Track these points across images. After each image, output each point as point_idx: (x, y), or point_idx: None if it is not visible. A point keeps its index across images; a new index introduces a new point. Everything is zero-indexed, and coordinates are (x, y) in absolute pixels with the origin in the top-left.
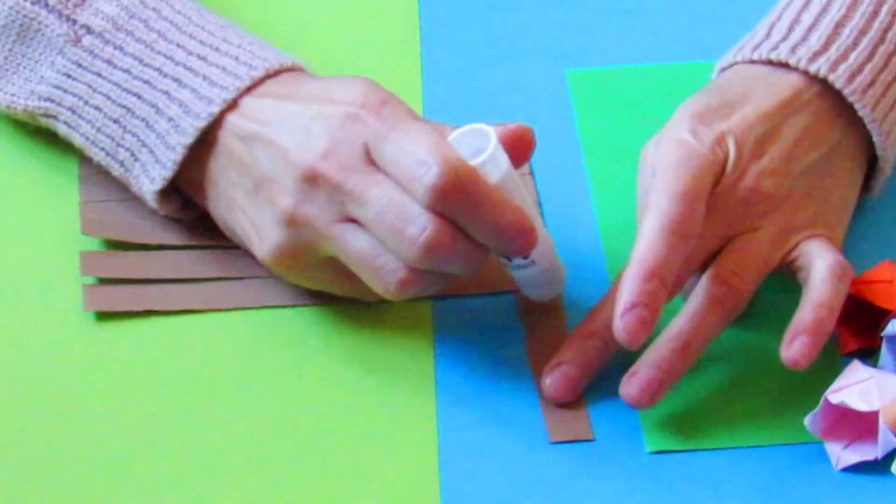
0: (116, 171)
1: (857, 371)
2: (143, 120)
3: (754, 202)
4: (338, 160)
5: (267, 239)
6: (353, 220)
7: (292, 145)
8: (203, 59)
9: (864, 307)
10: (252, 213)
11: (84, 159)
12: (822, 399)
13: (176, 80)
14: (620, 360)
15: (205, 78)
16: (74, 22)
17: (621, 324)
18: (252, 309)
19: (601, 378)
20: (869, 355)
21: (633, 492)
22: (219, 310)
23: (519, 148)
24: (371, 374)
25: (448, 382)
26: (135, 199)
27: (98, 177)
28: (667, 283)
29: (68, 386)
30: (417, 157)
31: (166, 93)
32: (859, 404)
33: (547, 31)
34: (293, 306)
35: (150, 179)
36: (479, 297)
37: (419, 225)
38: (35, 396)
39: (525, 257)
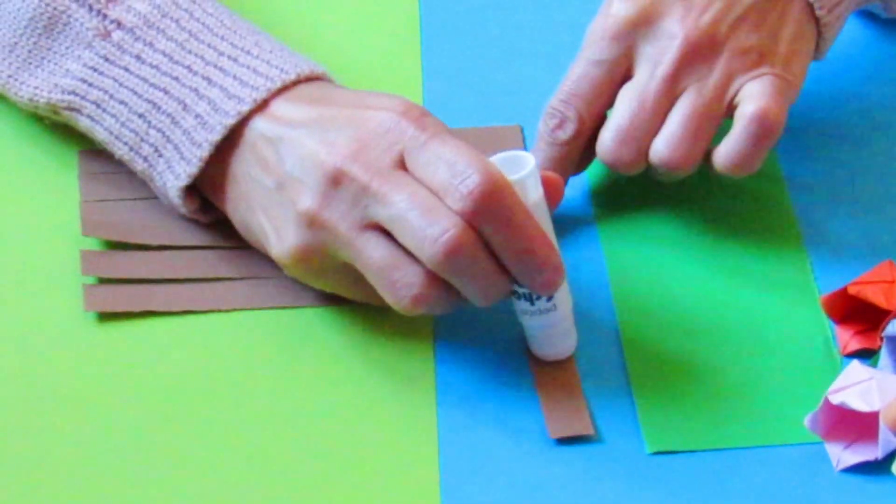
0: (140, 166)
1: (857, 371)
2: (169, 116)
3: (692, 54)
4: (366, 161)
5: (285, 239)
6: (374, 228)
7: (321, 146)
8: (234, 60)
9: (865, 307)
10: (273, 212)
11: (84, 158)
12: (823, 399)
13: (206, 78)
14: (618, 361)
15: (235, 77)
16: (105, 17)
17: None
18: (252, 310)
19: (599, 379)
20: (869, 356)
21: (634, 492)
22: (219, 310)
23: (547, 193)
24: (372, 374)
25: (448, 383)
26: (136, 199)
27: (99, 176)
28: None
29: (69, 386)
30: (457, 167)
31: (195, 90)
32: (860, 405)
33: (547, 31)
34: (294, 307)
35: (174, 176)
36: None
37: (443, 225)
38: (35, 397)
39: (549, 298)
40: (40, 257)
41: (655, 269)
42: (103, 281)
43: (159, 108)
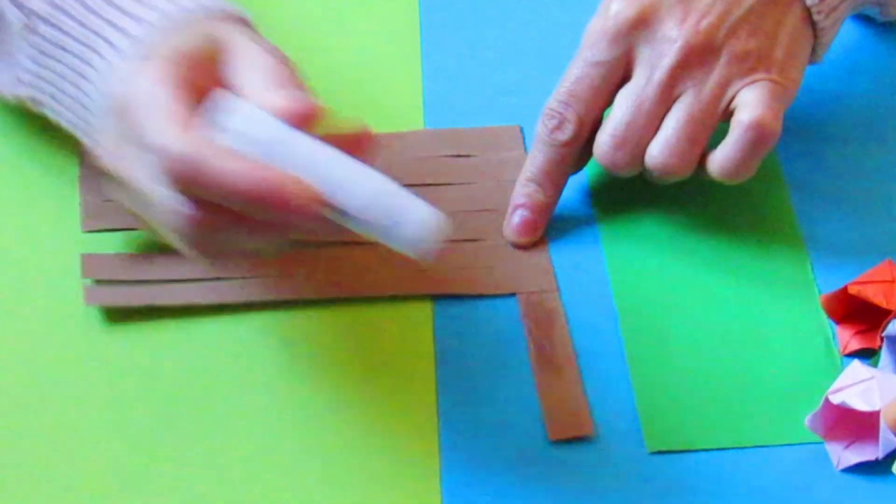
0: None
1: (857, 371)
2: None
3: (690, 58)
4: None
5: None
6: None
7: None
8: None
9: (865, 307)
10: None
11: (84, 159)
12: (823, 399)
13: (104, 46)
14: (619, 360)
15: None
16: (23, 6)
17: (509, 226)
18: (254, 310)
19: (599, 379)
20: (869, 355)
21: (634, 492)
22: (222, 311)
23: (355, 147)
24: (372, 374)
25: (449, 383)
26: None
27: (98, 177)
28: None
29: (72, 386)
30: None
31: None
32: (860, 405)
33: (547, 31)
34: (294, 305)
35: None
36: (480, 299)
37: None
38: (38, 397)
39: (341, 212)
40: (41, 258)
41: (656, 268)
42: (104, 282)
43: (93, 99)
